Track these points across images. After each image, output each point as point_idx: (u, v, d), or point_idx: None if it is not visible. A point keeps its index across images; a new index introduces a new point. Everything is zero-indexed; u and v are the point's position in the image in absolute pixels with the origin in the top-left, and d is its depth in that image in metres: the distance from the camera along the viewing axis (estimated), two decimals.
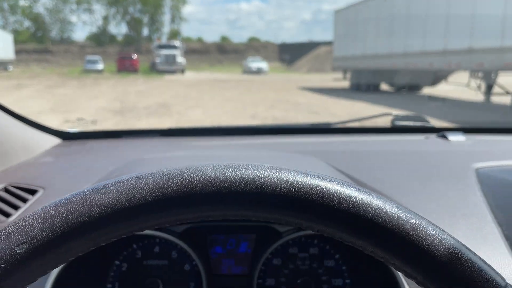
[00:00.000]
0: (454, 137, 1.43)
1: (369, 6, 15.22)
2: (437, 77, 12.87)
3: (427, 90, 13.50)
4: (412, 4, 13.16)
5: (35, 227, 0.39)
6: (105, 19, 42.30)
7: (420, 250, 0.40)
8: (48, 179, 1.12)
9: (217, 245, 0.95)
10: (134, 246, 0.94)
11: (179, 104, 10.55)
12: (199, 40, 46.20)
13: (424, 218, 0.42)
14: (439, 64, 11.82)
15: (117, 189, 0.41)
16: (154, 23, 43.15)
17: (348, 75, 16.85)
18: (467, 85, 11.32)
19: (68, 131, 1.52)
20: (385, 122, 1.87)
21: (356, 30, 16.21)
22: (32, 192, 1.03)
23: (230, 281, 0.94)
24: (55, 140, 1.45)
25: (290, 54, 37.28)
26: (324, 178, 0.43)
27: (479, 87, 11.02)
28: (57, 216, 0.40)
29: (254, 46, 42.68)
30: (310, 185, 0.42)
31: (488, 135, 1.55)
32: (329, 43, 33.68)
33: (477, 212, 0.95)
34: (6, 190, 1.02)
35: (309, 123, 1.71)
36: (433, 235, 0.41)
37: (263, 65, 28.04)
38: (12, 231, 0.39)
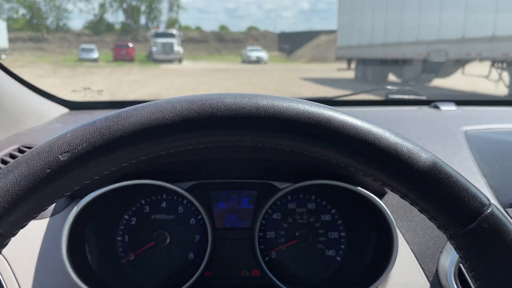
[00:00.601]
0: (445, 107, 1.49)
1: None
2: (451, 68, 11.79)
3: (437, 82, 12.42)
4: None
5: (76, 139, 0.43)
6: (102, 6, 41.63)
7: (414, 170, 0.44)
8: None
9: (220, 201, 1.02)
10: (143, 201, 1.00)
11: (174, 95, 9.96)
12: (198, 29, 45.51)
13: (418, 145, 0.46)
14: (457, 53, 10.75)
15: (148, 110, 0.45)
16: (152, 11, 42.46)
17: (353, 65, 15.95)
18: (487, 76, 10.29)
19: (75, 101, 1.56)
20: (380, 95, 1.91)
21: (362, 17, 15.10)
22: None
23: (233, 234, 1.00)
24: (62, 109, 1.50)
25: (289, 43, 36.64)
26: (331, 108, 0.47)
27: (500, 79, 10.01)
28: (95, 130, 0.44)
29: (253, 35, 42.10)
30: (319, 113, 0.45)
31: (478, 107, 1.61)
32: (330, 32, 33.04)
33: (465, 166, 1.02)
34: (20, 150, 1.09)
35: (310, 97, 1.66)
36: (426, 158, 0.45)
37: (263, 54, 27.43)
38: (55, 142, 0.44)
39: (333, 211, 1.02)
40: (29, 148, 1.09)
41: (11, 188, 0.42)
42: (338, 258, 1.01)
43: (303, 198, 1.03)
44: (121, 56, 24.41)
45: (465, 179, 0.46)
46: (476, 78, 10.52)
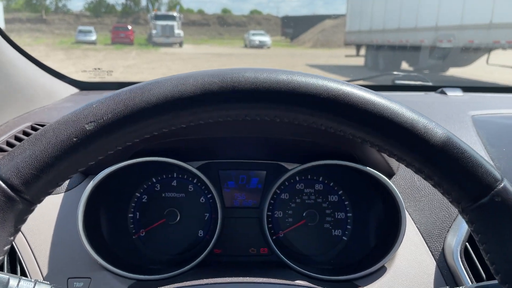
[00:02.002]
0: (452, 93, 1.53)
1: None
2: (473, 57, 10.71)
3: (453, 71, 11.26)
4: None
5: (101, 109, 0.45)
6: None
7: (429, 146, 0.46)
8: None
9: (230, 180, 1.05)
10: (154, 180, 1.03)
11: None
12: (200, 12, 44.62)
13: (434, 121, 0.47)
14: (483, 40, 9.69)
15: (171, 83, 0.46)
16: None
17: (363, 52, 14.81)
18: None
19: (85, 81, 1.62)
20: (386, 81, 1.94)
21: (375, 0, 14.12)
22: None
23: (242, 213, 1.04)
24: (73, 89, 1.57)
25: (293, 27, 35.79)
26: (349, 84, 0.47)
27: None
28: (120, 101, 0.45)
29: (256, 19, 41.24)
30: (338, 89, 0.46)
31: (484, 93, 1.63)
32: (335, 16, 32.25)
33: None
34: (32, 127, 1.14)
35: None
36: (441, 133, 0.46)
37: (266, 38, 26.59)
38: (81, 112, 0.45)
39: (340, 192, 1.05)
40: (42, 125, 1.14)
41: (39, 155, 0.44)
42: (344, 238, 1.03)
43: (311, 179, 1.05)
44: (120, 39, 23.67)
45: (479, 155, 0.47)
46: (500, 68, 9.52)
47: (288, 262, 0.94)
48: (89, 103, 0.46)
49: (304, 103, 0.46)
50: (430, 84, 1.75)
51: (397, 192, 0.90)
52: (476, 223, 0.47)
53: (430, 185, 0.96)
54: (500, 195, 0.45)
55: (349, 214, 1.03)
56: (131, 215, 1.02)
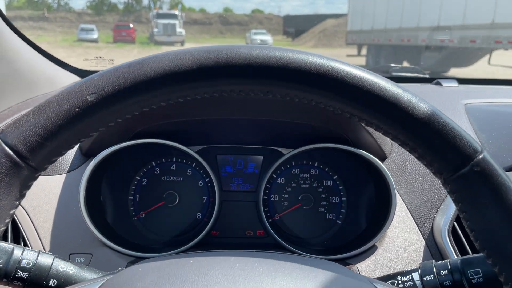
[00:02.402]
0: (447, 84, 1.53)
1: None
2: (474, 57, 10.68)
3: (454, 71, 11.18)
4: None
5: (102, 82, 0.47)
6: None
7: (413, 119, 0.47)
8: None
9: (227, 165, 1.08)
10: (153, 163, 1.06)
11: None
12: (202, 10, 44.60)
13: (418, 96, 0.49)
14: (485, 40, 9.65)
15: (168, 57, 0.48)
16: None
17: (364, 51, 14.81)
18: None
19: (86, 70, 1.61)
20: (384, 74, 1.79)
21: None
22: None
23: (239, 196, 1.07)
24: (75, 78, 1.56)
25: (294, 27, 35.72)
26: (338, 60, 0.49)
27: None
28: (120, 75, 0.47)
29: (258, 18, 41.23)
30: (327, 65, 0.48)
31: (479, 85, 1.66)
32: (336, 16, 32.20)
33: None
34: None
35: None
36: (424, 107, 0.48)
37: (267, 38, 26.58)
38: (83, 84, 0.47)
39: (335, 177, 1.07)
40: None
41: (43, 124, 0.46)
42: (338, 221, 1.07)
43: (307, 164, 1.08)
44: (122, 37, 23.64)
45: (461, 128, 0.49)
46: (502, 68, 9.48)
47: (284, 243, 0.97)
48: (91, 76, 0.48)
49: (295, 78, 0.48)
50: (426, 76, 1.76)
51: (389, 174, 0.93)
52: (457, 192, 0.48)
53: (420, 168, 1.04)
54: (480, 165, 0.47)
55: (343, 199, 1.06)
56: (131, 197, 1.05)
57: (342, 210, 1.06)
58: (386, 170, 0.94)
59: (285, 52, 0.48)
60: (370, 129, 0.94)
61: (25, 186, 0.48)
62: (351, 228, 1.04)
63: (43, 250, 0.86)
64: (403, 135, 0.48)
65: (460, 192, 0.48)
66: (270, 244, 1.03)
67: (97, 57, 1.79)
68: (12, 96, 1.23)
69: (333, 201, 1.06)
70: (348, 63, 0.49)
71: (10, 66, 1.23)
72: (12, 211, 0.48)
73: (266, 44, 25.40)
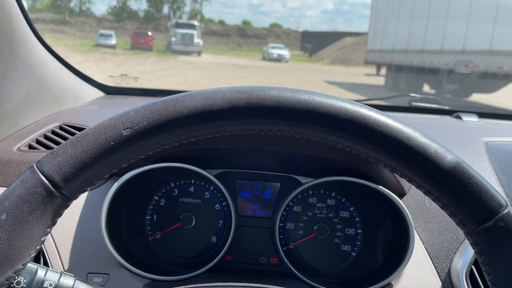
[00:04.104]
0: (467, 118, 1.53)
1: None
2: (500, 83, 10.27)
3: (476, 97, 10.76)
4: None
5: (137, 117, 0.49)
6: None
7: (439, 169, 0.48)
8: (98, 122, 1.27)
9: (244, 190, 1.08)
10: (172, 184, 1.07)
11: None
12: (221, 22, 44.82)
13: (444, 146, 0.50)
14: None
15: (201, 97, 0.50)
16: (176, 1, 41.82)
17: (384, 71, 14.51)
18: None
19: (110, 86, 1.69)
20: (403, 102, 1.92)
21: (399, 20, 13.71)
22: None
23: (254, 222, 1.06)
24: (99, 93, 1.63)
25: (312, 43, 35.62)
26: (367, 107, 0.50)
27: None
28: (155, 111, 0.49)
29: (276, 32, 41.24)
30: (355, 110, 0.49)
31: (500, 120, 1.61)
32: (355, 34, 32.00)
33: (484, 175, 0.97)
34: (61, 127, 1.20)
35: None
36: (451, 158, 0.49)
37: (285, 52, 26.45)
38: (119, 118, 0.49)
39: (351, 208, 1.06)
40: (70, 126, 1.21)
41: (79, 156, 0.48)
42: (353, 253, 1.05)
43: (324, 194, 1.07)
44: (139, 44, 23.77)
45: (486, 181, 0.49)
46: None
47: (297, 273, 0.96)
48: (126, 111, 0.50)
49: (323, 122, 0.49)
50: (446, 108, 1.76)
51: (407, 212, 0.92)
52: (480, 245, 0.49)
53: (439, 208, 1.05)
54: (504, 220, 0.48)
55: (359, 231, 1.06)
56: (149, 217, 1.06)
57: (357, 242, 1.06)
58: (405, 207, 0.93)
59: (314, 96, 0.50)
60: None
61: (57, 214, 0.50)
62: (366, 262, 1.03)
63: (63, 269, 0.89)
64: (428, 184, 0.49)
65: (483, 245, 0.49)
66: (284, 273, 1.02)
67: (122, 75, 1.85)
68: (39, 110, 1.25)
69: (348, 232, 1.06)
70: (376, 110, 0.50)
71: (39, 81, 1.22)
72: (43, 238, 0.51)
73: (283, 57, 25.45)
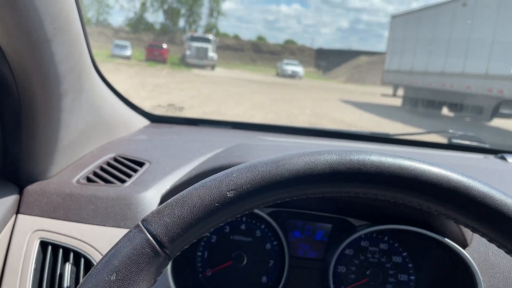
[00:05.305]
0: None
1: (441, 11, 12.34)
2: None
3: (497, 122, 10.37)
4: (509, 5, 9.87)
5: (241, 179, 0.50)
6: (143, 5, 41.57)
7: (507, 218, 0.48)
8: (151, 154, 1.24)
9: (296, 230, 1.05)
10: None
11: (197, 106, 8.88)
12: (236, 37, 45.03)
13: (509, 195, 0.50)
14: None
15: (302, 160, 0.51)
16: (192, 15, 42.19)
17: (401, 92, 14.11)
18: None
19: (155, 114, 1.71)
20: (442, 138, 1.89)
21: (418, 40, 13.43)
22: (139, 164, 1.18)
23: (305, 263, 1.05)
24: (145, 121, 1.66)
25: (327, 60, 35.55)
26: (470, 177, 0.50)
27: None
28: (258, 173, 0.50)
29: (290, 49, 41.28)
30: (458, 181, 0.49)
31: None
32: (371, 53, 31.84)
33: None
34: (115, 159, 1.21)
35: (369, 131, 1.77)
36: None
37: (299, 69, 26.31)
38: (223, 179, 0.50)
39: (404, 253, 1.04)
40: (124, 158, 1.21)
41: (186, 217, 0.49)
42: None
43: (376, 238, 1.05)
44: (154, 56, 23.85)
45: None
46: None
47: None
48: (229, 172, 0.51)
49: (426, 190, 0.49)
50: (487, 146, 1.72)
51: (475, 265, 0.90)
52: None
53: (505, 262, 0.96)
54: None
55: (412, 277, 1.03)
56: (200, 253, 1.05)
57: None
58: (472, 260, 0.91)
59: (415, 163, 0.50)
60: None
61: (159, 273, 0.50)
62: None
63: None
64: (494, 233, 0.49)
65: None
66: None
67: (169, 105, 1.87)
68: (95, 140, 1.29)
69: (401, 278, 1.03)
70: (478, 180, 0.50)
71: (96, 112, 1.25)
72: None
73: (297, 74, 25.30)
